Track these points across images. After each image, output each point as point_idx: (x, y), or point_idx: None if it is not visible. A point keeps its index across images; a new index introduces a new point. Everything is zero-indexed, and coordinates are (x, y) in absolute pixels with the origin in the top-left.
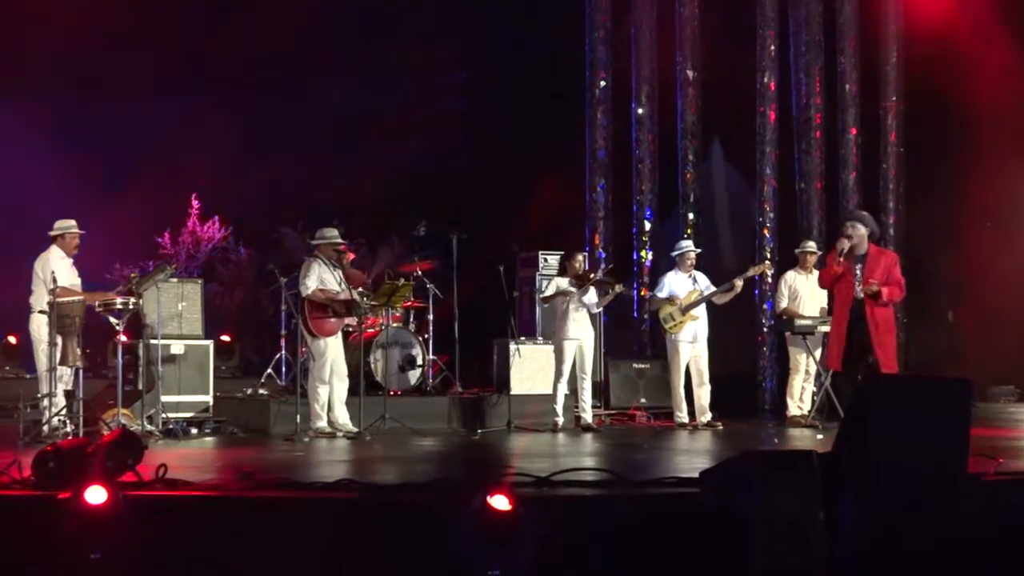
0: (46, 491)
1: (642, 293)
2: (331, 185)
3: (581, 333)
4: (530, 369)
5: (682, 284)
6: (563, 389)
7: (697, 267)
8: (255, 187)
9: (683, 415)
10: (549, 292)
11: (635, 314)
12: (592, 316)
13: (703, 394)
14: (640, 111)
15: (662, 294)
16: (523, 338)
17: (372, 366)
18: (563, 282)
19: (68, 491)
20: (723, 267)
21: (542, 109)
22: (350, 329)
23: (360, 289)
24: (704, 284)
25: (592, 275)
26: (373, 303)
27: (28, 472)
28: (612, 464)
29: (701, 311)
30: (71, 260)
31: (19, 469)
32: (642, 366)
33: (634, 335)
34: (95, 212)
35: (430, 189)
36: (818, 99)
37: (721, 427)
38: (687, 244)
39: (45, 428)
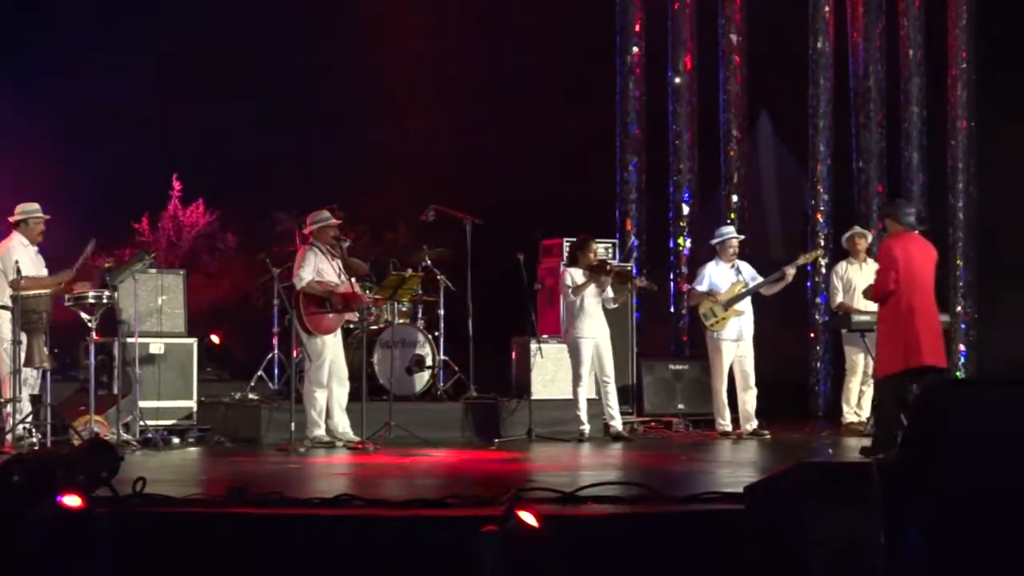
0: (10, 507)
1: (678, 285)
2: (330, 164)
3: (597, 331)
4: (553, 371)
5: (724, 276)
6: (584, 394)
7: (741, 256)
8: (244, 166)
9: (726, 423)
10: (569, 282)
11: (671, 309)
12: (607, 312)
13: (749, 399)
14: (677, 80)
15: (701, 287)
16: (545, 336)
17: (375, 367)
18: (577, 273)
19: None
20: (771, 256)
21: (567, 78)
22: (351, 326)
23: (362, 280)
24: (749, 275)
25: (609, 265)
26: (376, 296)
27: None
28: (645, 477)
29: (746, 306)
30: (36, 248)
31: None
32: (679, 368)
33: (670, 333)
34: (62, 193)
35: (440, 169)
36: (879, 67)
37: (769, 436)
38: (729, 230)
39: (9, 437)
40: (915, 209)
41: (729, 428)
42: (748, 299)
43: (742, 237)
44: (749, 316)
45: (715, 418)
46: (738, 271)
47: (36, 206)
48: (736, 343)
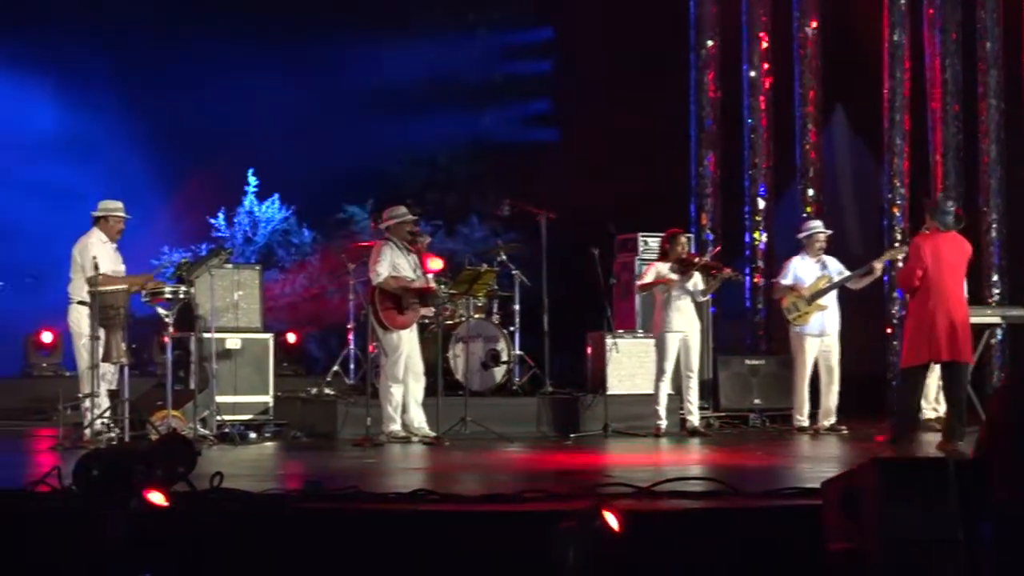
0: (88, 502)
1: (754, 280)
2: (404, 160)
3: (686, 325)
4: (629, 366)
5: (809, 270)
6: (666, 388)
7: (826, 250)
8: (320, 162)
9: (803, 418)
10: (648, 279)
11: (747, 303)
12: (698, 306)
13: (831, 395)
14: (752, 74)
15: (786, 281)
16: (621, 331)
17: (451, 362)
18: (664, 267)
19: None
20: (848, 251)
21: (641, 72)
22: (426, 321)
23: (437, 276)
24: (835, 270)
25: (697, 259)
26: (452, 292)
27: (69, 481)
28: (722, 473)
29: (831, 300)
30: (114, 245)
31: (59, 477)
32: (756, 363)
33: (747, 328)
34: (141, 189)
35: (515, 163)
36: (955, 59)
37: (846, 431)
38: (816, 224)
39: (87, 432)
40: (954, 208)
41: (806, 423)
42: (833, 294)
43: (829, 232)
44: (834, 311)
45: (793, 413)
46: (824, 265)
47: (119, 205)
48: (819, 338)
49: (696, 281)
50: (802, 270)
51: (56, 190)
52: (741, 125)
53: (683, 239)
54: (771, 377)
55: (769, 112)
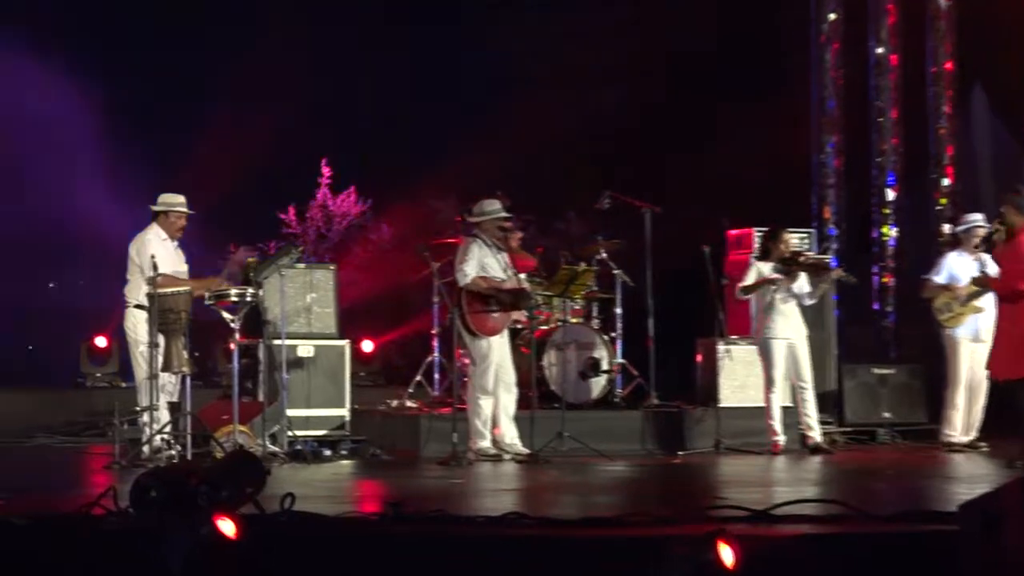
0: (146, 526)
1: (883, 280)
2: (493, 149)
3: (791, 331)
4: (744, 376)
5: (966, 267)
6: (778, 401)
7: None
8: (399, 152)
9: (955, 433)
10: (749, 280)
11: (875, 306)
12: (805, 310)
13: (978, 409)
14: (879, 51)
15: (939, 278)
16: (735, 337)
17: (546, 372)
18: (765, 267)
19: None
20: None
21: (754, 48)
22: (519, 326)
23: (530, 276)
24: (996, 269)
25: (802, 257)
26: (547, 293)
27: (126, 503)
28: (847, 494)
29: (988, 302)
30: (175, 243)
31: (115, 499)
32: (885, 372)
33: (874, 333)
34: (204, 183)
35: (616, 152)
36: None
37: (987, 448)
38: (976, 218)
39: (145, 449)
40: None
41: (957, 439)
42: (991, 296)
43: (990, 227)
44: (991, 314)
45: (941, 427)
46: (982, 263)
47: (181, 199)
48: (974, 343)
49: (802, 283)
50: (958, 267)
51: (109, 182)
52: (867, 107)
53: (786, 235)
54: (902, 388)
55: (898, 92)
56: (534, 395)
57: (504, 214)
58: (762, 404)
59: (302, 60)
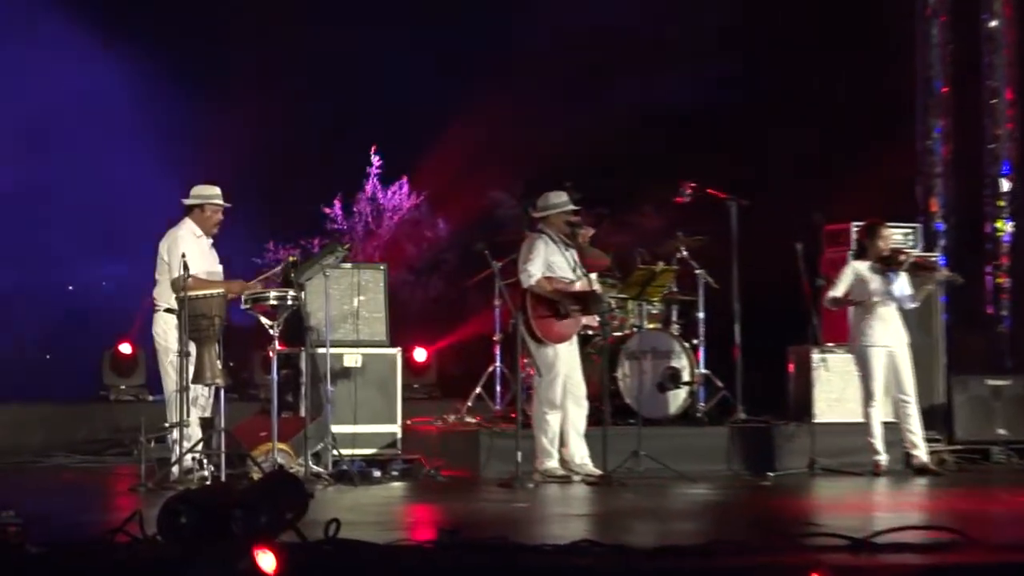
0: (176, 554)
1: (997, 280)
2: (559, 135)
3: (891, 338)
4: (841, 388)
5: None
6: (878, 415)
7: None
8: (458, 138)
9: None
10: (840, 288)
11: (989, 310)
12: (906, 314)
13: None
14: (993, 24)
15: None
16: (831, 344)
17: (620, 384)
18: (861, 267)
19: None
20: None
21: (851, 23)
22: (589, 333)
23: (603, 276)
24: None
25: (903, 256)
26: (621, 296)
27: (153, 529)
28: (957, 521)
29: None
30: (209, 241)
31: (141, 525)
32: (999, 383)
33: (987, 340)
34: (239, 173)
35: (697, 138)
36: None
37: None
38: None
39: (175, 470)
40: None
41: None
42: None
43: None
44: None
45: None
46: None
47: (216, 191)
48: None
49: (903, 284)
50: None
51: (137, 173)
52: (979, 87)
53: (886, 231)
54: (1018, 401)
55: (1014, 70)
56: (607, 409)
57: (573, 207)
58: (861, 420)
59: (350, 39)
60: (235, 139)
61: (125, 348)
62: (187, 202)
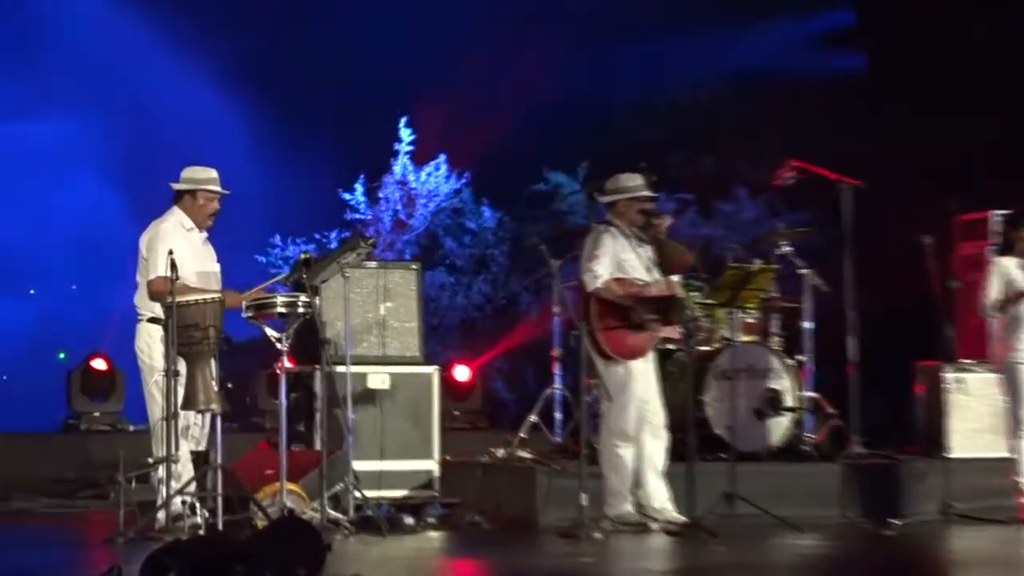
0: None
1: None
2: (634, 103)
3: None
4: (981, 415)
5: None
6: None
7: None
8: (506, 107)
9: None
10: (994, 290)
11: None
12: None
13: None
14: None
15: None
16: (968, 361)
17: (708, 410)
18: (1009, 265)
19: None
20: None
21: None
22: (669, 347)
23: (686, 278)
24: None
25: None
26: (708, 301)
27: None
28: None
29: None
30: (203, 235)
31: None
32: None
33: None
34: (240, 152)
35: (801, 107)
36: None
37: None
38: None
39: (161, 516)
40: None
41: None
42: None
43: None
44: None
45: None
46: None
47: (212, 173)
48: None
49: None
50: None
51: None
52: None
53: None
54: None
55: None
56: (692, 442)
57: (648, 192)
58: (1007, 455)
59: None
60: (232, 108)
61: (99, 364)
62: (176, 187)
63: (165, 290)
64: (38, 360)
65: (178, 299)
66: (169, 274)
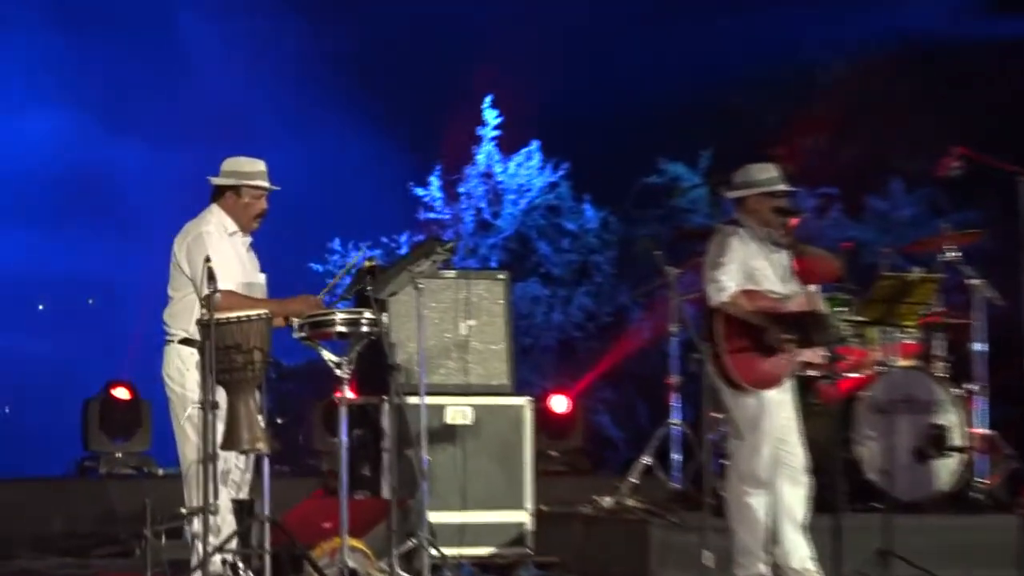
0: None
1: None
2: (761, 81)
3: None
4: None
5: None
6: None
7: None
8: (611, 84)
9: None
10: None
11: None
12: None
13: None
14: None
15: None
16: None
17: (859, 450)
18: None
19: None
20: None
21: None
22: (812, 374)
23: (831, 290)
24: None
25: None
26: (858, 318)
27: None
28: None
29: None
30: (248, 239)
31: None
32: None
33: None
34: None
35: (968, 83)
36: None
37: None
38: None
39: None
40: None
41: None
42: None
43: None
44: None
45: None
46: None
47: (260, 165)
48: None
49: None
50: None
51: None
52: None
53: None
54: None
55: None
56: (840, 488)
57: (783, 187)
58: None
59: None
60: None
61: (121, 394)
62: (216, 181)
63: (223, 306)
64: (48, 389)
65: (217, 316)
66: (207, 286)
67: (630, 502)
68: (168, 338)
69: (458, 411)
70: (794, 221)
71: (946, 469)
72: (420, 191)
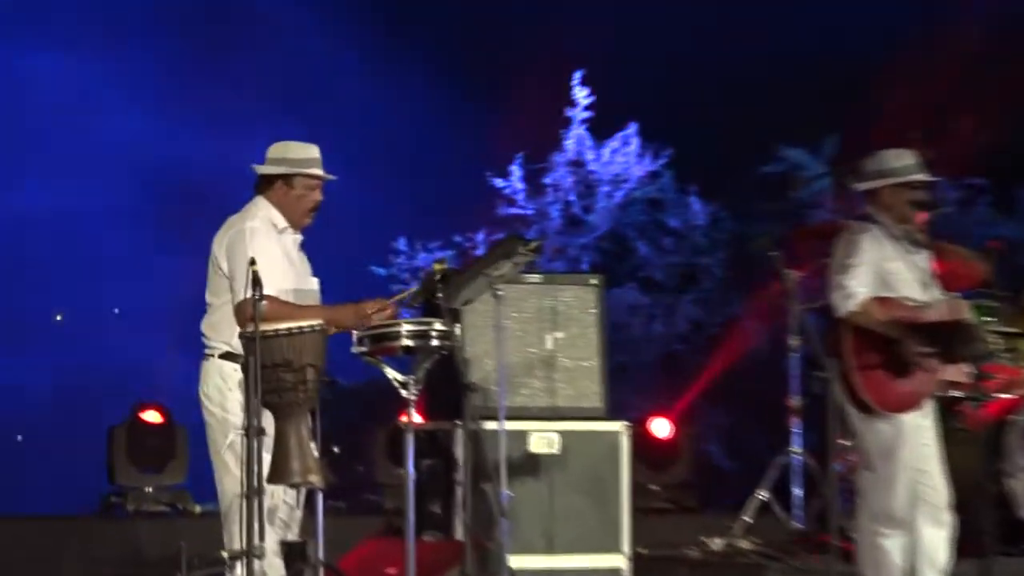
0: None
1: None
2: (880, 70)
3: None
4: None
5: None
6: None
7: None
8: (721, 61)
9: None
10: None
11: None
12: None
13: None
14: None
15: None
16: None
17: (1012, 485)
18: None
19: None
20: None
21: None
22: (957, 395)
23: (978, 297)
24: None
25: None
26: (1009, 329)
27: None
28: None
29: None
30: (298, 237)
31: None
32: None
33: None
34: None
35: None
36: None
37: None
38: None
39: None
40: None
41: None
42: None
43: None
44: None
45: None
46: None
47: (314, 152)
48: None
49: None
50: None
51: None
52: None
53: None
54: None
55: None
56: (988, 528)
57: (922, 176)
58: None
59: None
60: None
61: (152, 417)
62: (262, 170)
63: (269, 316)
64: (68, 413)
65: (263, 327)
66: (252, 292)
67: (743, 544)
68: (207, 352)
69: (543, 438)
70: (922, 215)
71: None
72: (499, 182)
